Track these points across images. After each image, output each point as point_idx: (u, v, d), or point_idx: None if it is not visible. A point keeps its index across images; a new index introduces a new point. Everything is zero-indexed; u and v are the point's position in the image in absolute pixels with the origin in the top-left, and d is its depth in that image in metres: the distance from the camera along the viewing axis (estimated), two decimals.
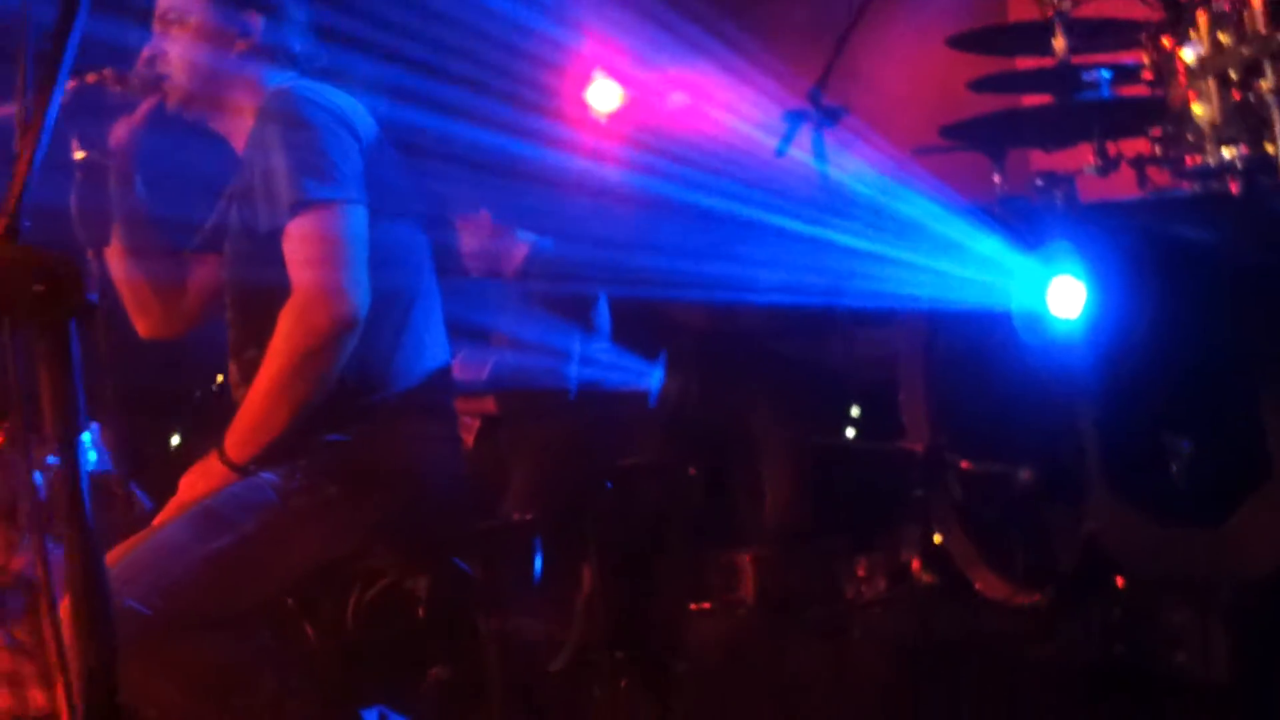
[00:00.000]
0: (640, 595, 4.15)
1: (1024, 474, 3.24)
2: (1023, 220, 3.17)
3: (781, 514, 4.12)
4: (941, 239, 3.48)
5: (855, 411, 3.99)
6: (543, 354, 4.16)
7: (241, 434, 2.73)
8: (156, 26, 2.94)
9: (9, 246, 1.53)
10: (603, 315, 4.40)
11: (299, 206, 2.67)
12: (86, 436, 5.61)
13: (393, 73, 4.22)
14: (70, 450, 1.57)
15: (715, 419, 4.28)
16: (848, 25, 4.12)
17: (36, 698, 4.76)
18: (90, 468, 5.77)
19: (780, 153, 4.16)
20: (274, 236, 2.72)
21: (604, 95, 6.74)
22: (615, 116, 6.49)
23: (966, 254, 3.32)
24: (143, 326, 3.13)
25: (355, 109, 2.87)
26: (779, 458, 4.11)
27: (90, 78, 2.93)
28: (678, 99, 5.54)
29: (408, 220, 2.95)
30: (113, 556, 2.70)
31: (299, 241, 2.69)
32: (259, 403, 2.70)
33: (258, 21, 2.92)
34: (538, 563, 3.67)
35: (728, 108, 4.79)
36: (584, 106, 6.62)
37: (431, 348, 2.95)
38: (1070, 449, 3.04)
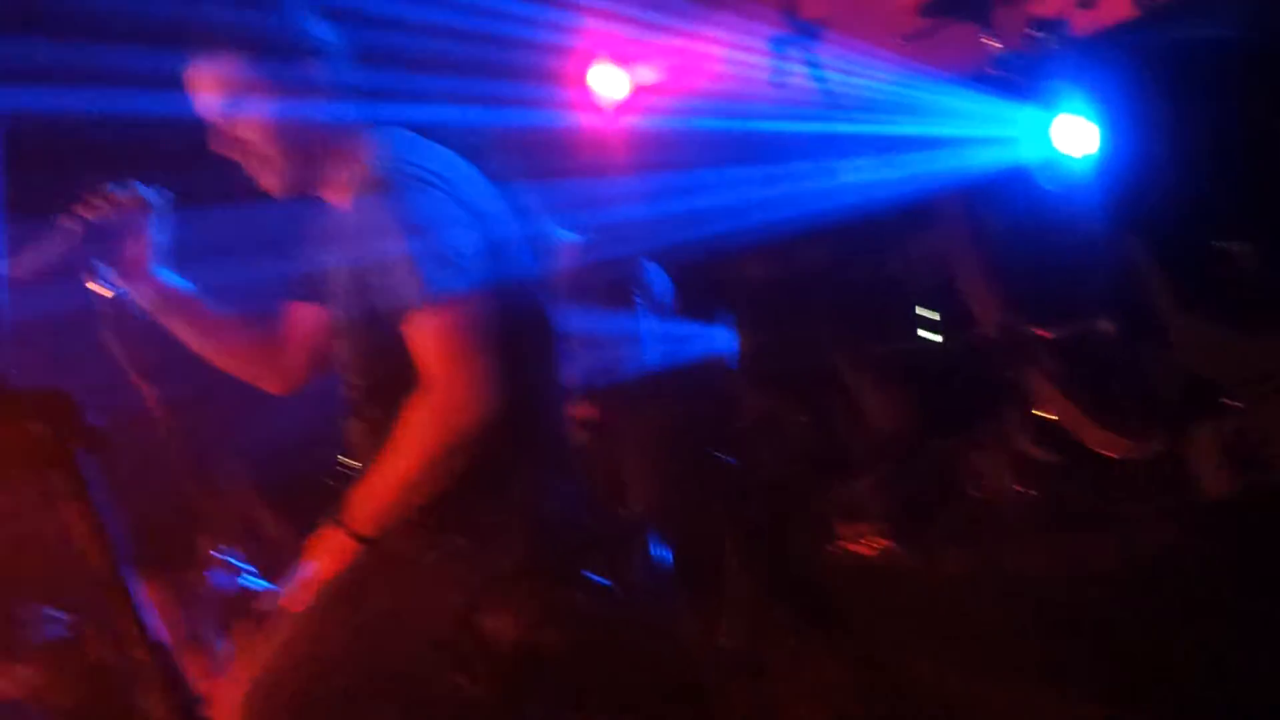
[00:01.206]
0: (781, 550, 4.12)
1: (1104, 326, 3.15)
2: (1020, 73, 3.08)
3: (885, 432, 4.06)
4: (950, 115, 3.41)
5: (925, 314, 3.90)
6: (615, 345, 4.14)
7: (372, 513, 2.71)
8: (218, 122, 2.82)
9: (7, 395, 1.54)
10: (658, 287, 4.38)
11: (426, 299, 2.60)
12: (234, 562, 5.72)
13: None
14: (117, 583, 1.57)
15: (796, 361, 4.23)
16: None
17: None
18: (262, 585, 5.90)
19: (775, 79, 4.12)
20: (397, 318, 2.65)
21: (608, 81, 6.72)
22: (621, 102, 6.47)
23: (978, 123, 3.25)
24: (269, 389, 3.14)
25: (457, 168, 2.81)
26: (864, 378, 4.05)
27: (84, 211, 2.93)
28: (645, 73, 5.53)
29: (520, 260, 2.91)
30: (262, 645, 2.75)
31: (429, 335, 2.63)
32: (393, 487, 2.68)
33: (312, 67, 2.82)
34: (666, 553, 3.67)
35: (718, 58, 4.75)
36: (587, 92, 6.61)
37: (551, 394, 2.94)
38: (1137, 287, 2.95)
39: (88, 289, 3.08)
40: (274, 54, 2.77)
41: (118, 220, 2.99)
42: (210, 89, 2.84)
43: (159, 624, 1.66)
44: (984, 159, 3.23)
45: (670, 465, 4.26)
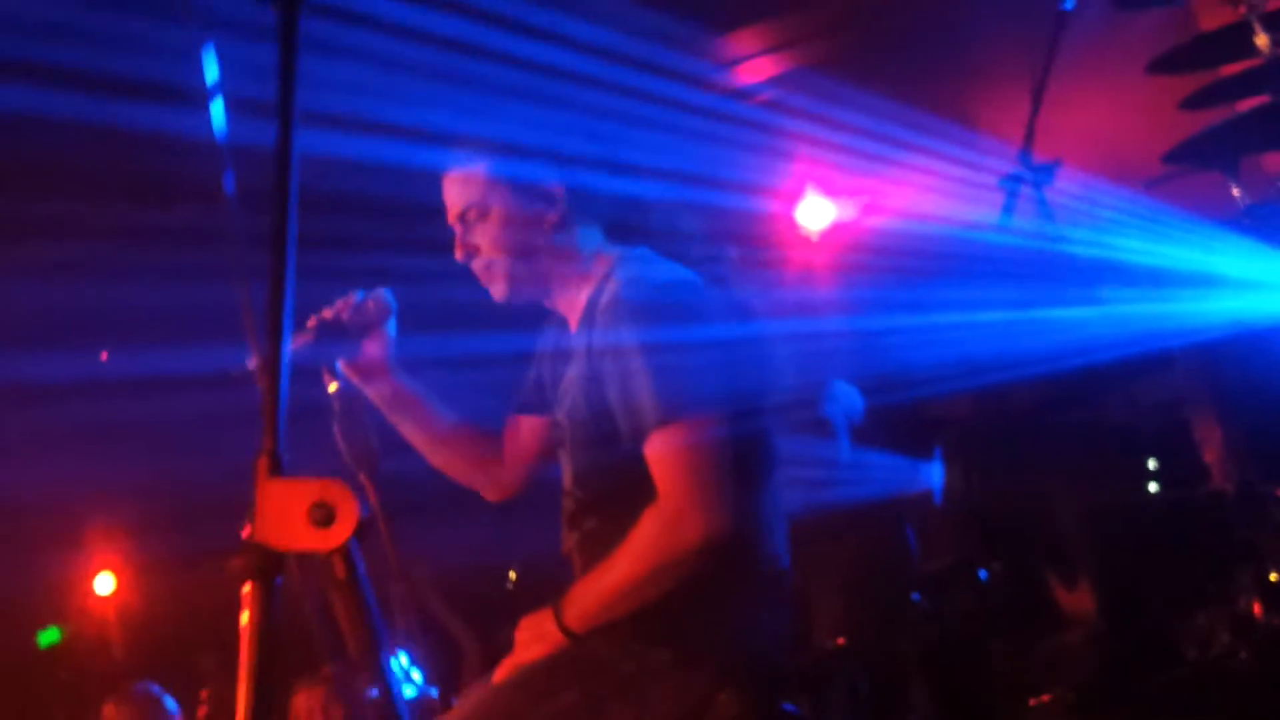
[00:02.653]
0: (974, 701, 3.99)
1: None
2: (1273, 225, 2.98)
3: (1099, 587, 3.91)
4: (1195, 265, 3.32)
5: (1152, 464, 3.78)
6: (810, 473, 4.08)
7: (585, 610, 2.73)
8: (457, 227, 2.95)
9: (277, 482, 1.54)
10: (848, 406, 4.31)
11: (665, 418, 2.64)
12: (404, 660, 5.76)
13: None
14: (382, 673, 1.56)
15: (1006, 504, 4.12)
16: (1039, 80, 4.03)
17: None
18: (413, 693, 5.91)
19: (1004, 222, 4.06)
20: (632, 435, 2.70)
21: (815, 212, 6.77)
22: (827, 231, 6.51)
23: (1224, 269, 3.16)
24: (485, 495, 3.24)
25: (697, 288, 2.83)
26: (1084, 529, 3.93)
27: (327, 314, 3.06)
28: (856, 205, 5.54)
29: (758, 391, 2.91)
30: (454, 712, 2.76)
31: (668, 453, 2.65)
32: (610, 590, 2.70)
33: (561, 191, 2.91)
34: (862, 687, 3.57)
35: (943, 194, 4.74)
36: (794, 226, 6.66)
37: (777, 511, 2.91)
38: None
39: (324, 384, 3.20)
40: (524, 173, 2.88)
41: (358, 321, 3.11)
42: (457, 191, 2.92)
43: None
44: (1229, 307, 3.13)
45: (861, 601, 4.17)
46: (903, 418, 4.27)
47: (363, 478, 3.35)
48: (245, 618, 1.54)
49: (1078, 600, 3.99)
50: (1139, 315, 3.53)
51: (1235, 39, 3.60)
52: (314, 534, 1.54)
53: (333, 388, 3.23)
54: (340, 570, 1.56)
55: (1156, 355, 3.57)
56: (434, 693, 5.81)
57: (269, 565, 1.54)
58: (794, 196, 6.72)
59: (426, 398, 3.23)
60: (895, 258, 5.18)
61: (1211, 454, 3.38)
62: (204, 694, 5.85)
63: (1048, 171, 4.02)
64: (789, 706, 2.87)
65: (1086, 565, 3.92)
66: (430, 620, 6.24)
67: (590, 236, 2.92)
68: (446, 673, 5.94)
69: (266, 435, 1.58)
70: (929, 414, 4.37)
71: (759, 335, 2.93)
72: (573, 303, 2.95)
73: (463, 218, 2.93)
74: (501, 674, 2.79)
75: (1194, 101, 3.83)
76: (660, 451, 2.65)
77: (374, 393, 3.20)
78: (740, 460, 2.69)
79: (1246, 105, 4.06)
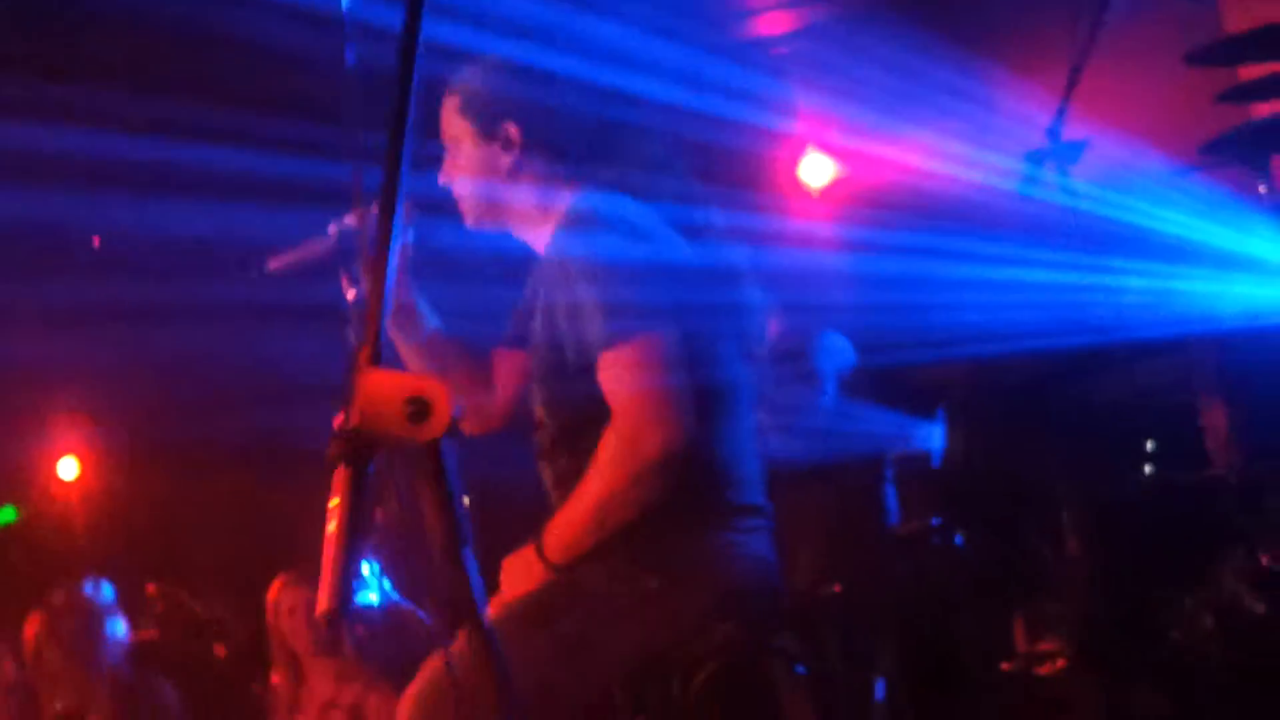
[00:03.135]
0: (949, 661, 4.05)
1: None
2: None
3: (1089, 561, 3.97)
4: (1219, 245, 3.37)
5: (1150, 445, 3.84)
6: (796, 421, 4.11)
7: (563, 541, 2.79)
8: (445, 154, 3.09)
9: (378, 373, 1.55)
10: (838, 359, 4.35)
11: (611, 341, 2.71)
12: (375, 569, 5.76)
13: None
14: (461, 566, 1.57)
15: (1003, 473, 4.17)
16: (1078, 57, 4.04)
17: None
18: (384, 600, 5.93)
19: (1024, 193, 4.09)
20: (585, 361, 2.77)
21: (816, 169, 6.79)
22: (833, 188, 6.52)
23: (1248, 259, 3.21)
24: (468, 427, 3.26)
25: (653, 223, 2.92)
26: (1079, 503, 3.98)
27: (349, 220, 3.11)
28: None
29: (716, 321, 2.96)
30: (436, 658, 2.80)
31: (614, 372, 2.73)
32: (583, 516, 2.76)
33: (517, 131, 3.01)
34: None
35: (964, 158, 4.76)
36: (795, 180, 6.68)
37: (745, 444, 2.95)
38: None
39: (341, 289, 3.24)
40: (485, 114, 3.01)
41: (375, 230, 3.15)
42: (443, 119, 3.07)
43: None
44: (1248, 294, 3.18)
45: (830, 553, 4.22)
46: (909, 376, 4.31)
47: None
48: (334, 502, 1.55)
49: (1064, 573, 4.05)
50: (1154, 294, 3.58)
51: (1273, 40, 3.64)
52: (409, 426, 1.55)
53: (350, 294, 3.29)
54: (432, 464, 1.57)
55: (1169, 338, 3.61)
56: (402, 600, 5.87)
57: (362, 452, 1.56)
58: (797, 151, 6.75)
59: (429, 314, 3.31)
60: (903, 215, 5.21)
61: (1214, 441, 3.44)
62: (151, 588, 5.80)
63: (1075, 149, 4.04)
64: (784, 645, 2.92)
65: (1077, 540, 3.98)
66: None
67: (553, 174, 3.01)
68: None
69: (369, 325, 1.59)
70: (935, 375, 4.41)
71: (718, 267, 3.00)
72: (540, 237, 3.05)
73: (444, 144, 3.09)
74: (493, 613, 2.81)
75: (1230, 96, 3.88)
76: (610, 373, 2.73)
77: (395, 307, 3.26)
78: (701, 386, 2.77)
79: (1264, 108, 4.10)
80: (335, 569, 1.53)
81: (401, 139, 1.62)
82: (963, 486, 4.19)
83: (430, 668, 2.82)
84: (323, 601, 1.53)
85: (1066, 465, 4.02)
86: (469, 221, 3.10)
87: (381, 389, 1.56)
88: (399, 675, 5.23)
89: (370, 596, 5.84)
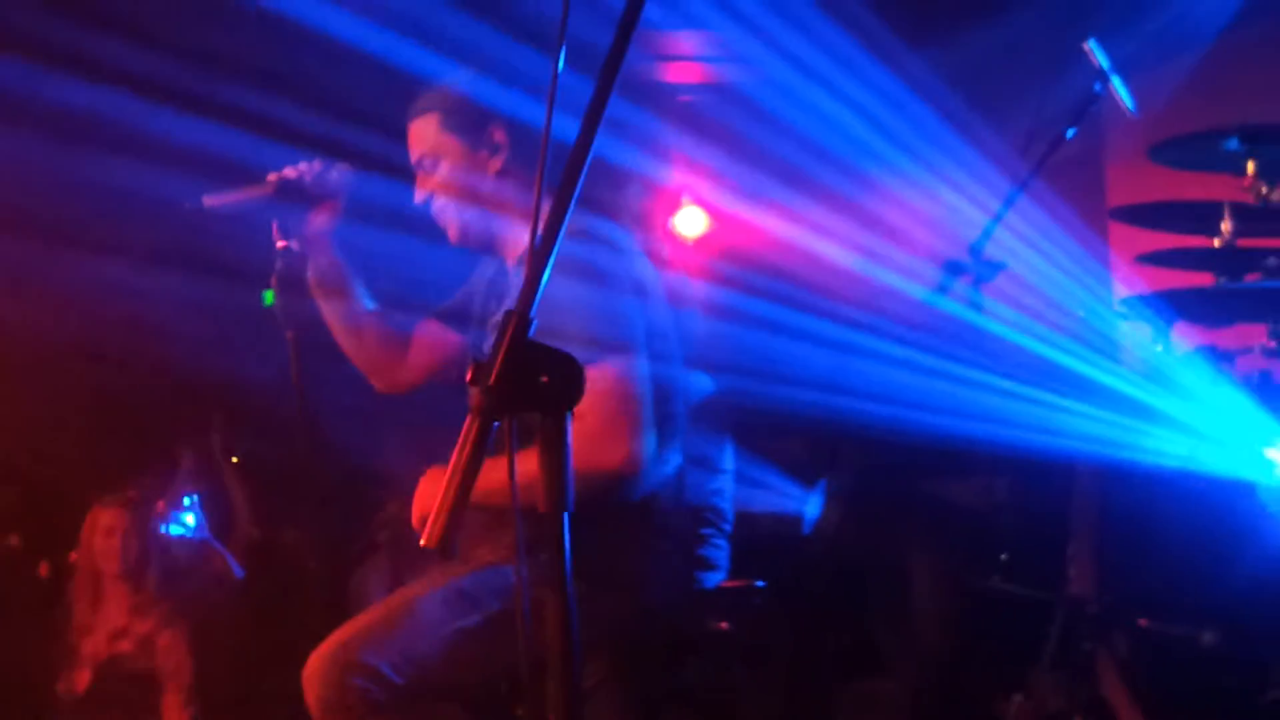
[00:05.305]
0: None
1: (1207, 637, 3.34)
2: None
3: (930, 649, 4.19)
4: (1113, 396, 3.62)
5: (1004, 556, 4.07)
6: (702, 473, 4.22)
7: (488, 481, 2.89)
8: (417, 172, 3.20)
9: (528, 344, 1.65)
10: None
11: (591, 359, 2.75)
12: (195, 501, 5.69)
13: None
14: (559, 522, 1.65)
15: (867, 551, 4.37)
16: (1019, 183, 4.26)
17: None
18: (190, 534, 5.86)
19: (933, 302, 4.28)
20: None
21: (690, 221, 6.93)
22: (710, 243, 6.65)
23: (1154, 405, 3.46)
24: (375, 382, 3.45)
25: (623, 240, 3.08)
26: (933, 595, 4.20)
27: (289, 172, 3.22)
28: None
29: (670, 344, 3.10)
30: (368, 618, 2.88)
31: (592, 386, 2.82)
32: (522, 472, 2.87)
33: (503, 134, 3.12)
34: None
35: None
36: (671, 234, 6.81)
37: (672, 462, 3.10)
38: (1268, 618, 3.15)
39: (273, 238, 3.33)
40: (470, 124, 3.13)
41: (317, 188, 3.29)
42: (415, 140, 3.19)
43: None
44: (1146, 439, 3.43)
45: None
46: (798, 440, 4.48)
47: (289, 335, 3.46)
48: (458, 451, 1.64)
49: (901, 656, 4.26)
50: (1046, 412, 3.81)
51: (1204, 215, 3.93)
52: (542, 394, 1.66)
53: (280, 245, 3.39)
54: (554, 433, 1.68)
55: (1057, 459, 3.83)
56: (213, 540, 5.82)
57: (496, 409, 1.65)
58: (675, 200, 6.89)
59: (354, 281, 3.42)
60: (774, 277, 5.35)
61: (1078, 565, 3.68)
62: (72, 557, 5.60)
63: (993, 268, 4.27)
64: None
65: (924, 627, 4.20)
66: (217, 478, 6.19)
67: (532, 182, 3.09)
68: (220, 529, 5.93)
69: (523, 298, 1.68)
70: (824, 444, 4.58)
71: (666, 293, 3.17)
72: (515, 244, 3.16)
73: (420, 164, 3.18)
74: (418, 504, 2.91)
75: (1148, 258, 4.17)
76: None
77: (313, 258, 3.37)
78: (662, 411, 2.92)
79: (1188, 279, 4.37)
80: (444, 509, 1.62)
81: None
82: (824, 557, 4.37)
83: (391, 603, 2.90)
84: (428, 536, 1.62)
85: (932, 559, 4.23)
86: (453, 238, 3.20)
87: (526, 358, 1.66)
88: (192, 616, 5.22)
89: (187, 520, 5.80)
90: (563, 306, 2.83)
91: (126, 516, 5.17)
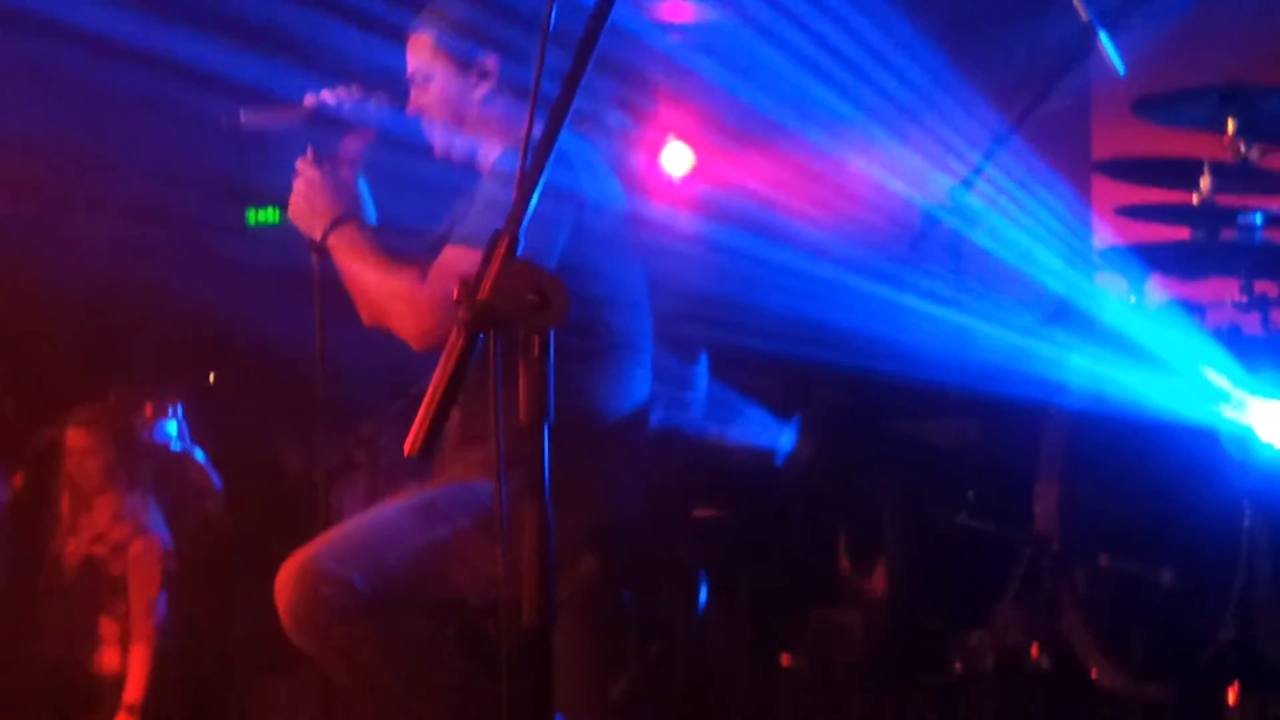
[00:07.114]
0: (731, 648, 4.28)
1: (1165, 576, 3.43)
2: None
3: (896, 583, 4.28)
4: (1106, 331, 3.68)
5: (971, 494, 4.14)
6: (671, 390, 4.26)
7: (353, 248, 3.22)
8: (411, 86, 3.30)
9: (515, 262, 1.70)
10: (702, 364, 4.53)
11: (456, 239, 3.02)
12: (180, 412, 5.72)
13: None
14: (539, 435, 1.71)
15: (838, 485, 4.44)
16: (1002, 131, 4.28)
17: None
18: (171, 444, 5.89)
19: (915, 246, 4.31)
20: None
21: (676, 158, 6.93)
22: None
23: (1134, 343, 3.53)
24: (366, 318, 3.37)
25: (593, 170, 3.16)
26: (901, 529, 4.28)
27: (328, 96, 3.24)
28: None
29: (624, 271, 3.16)
30: (340, 530, 2.94)
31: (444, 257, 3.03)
32: (373, 269, 3.19)
33: (494, 62, 3.21)
34: None
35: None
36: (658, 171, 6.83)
37: (636, 388, 3.17)
38: (1223, 561, 3.24)
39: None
40: (462, 48, 3.24)
41: (354, 115, 3.32)
42: (411, 55, 3.29)
43: None
44: (1123, 376, 3.49)
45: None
46: (774, 373, 4.53)
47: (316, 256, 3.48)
48: (442, 364, 1.69)
49: (867, 587, 4.34)
50: (1027, 351, 3.88)
51: (1184, 171, 3.97)
52: (527, 311, 1.71)
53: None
54: (536, 349, 1.73)
55: (1028, 402, 3.90)
56: (196, 451, 5.86)
57: (481, 323, 1.70)
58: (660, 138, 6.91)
59: (366, 211, 3.42)
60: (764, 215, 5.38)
61: (1043, 504, 3.75)
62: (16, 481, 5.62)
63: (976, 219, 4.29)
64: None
65: (889, 560, 4.28)
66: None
67: (516, 110, 3.25)
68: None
69: (512, 218, 1.73)
70: (799, 380, 4.63)
71: (612, 210, 3.24)
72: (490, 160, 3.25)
73: (412, 79, 3.29)
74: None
75: (1127, 211, 4.21)
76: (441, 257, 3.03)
77: (330, 182, 3.38)
78: (585, 327, 3.03)
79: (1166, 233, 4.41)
80: (426, 418, 1.68)
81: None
82: (795, 490, 4.43)
83: (364, 517, 2.95)
84: (410, 444, 1.67)
85: (901, 495, 4.31)
86: (437, 153, 3.29)
87: (514, 276, 1.71)
88: (167, 524, 5.27)
89: (169, 430, 5.83)
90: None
91: (99, 435, 5.18)
